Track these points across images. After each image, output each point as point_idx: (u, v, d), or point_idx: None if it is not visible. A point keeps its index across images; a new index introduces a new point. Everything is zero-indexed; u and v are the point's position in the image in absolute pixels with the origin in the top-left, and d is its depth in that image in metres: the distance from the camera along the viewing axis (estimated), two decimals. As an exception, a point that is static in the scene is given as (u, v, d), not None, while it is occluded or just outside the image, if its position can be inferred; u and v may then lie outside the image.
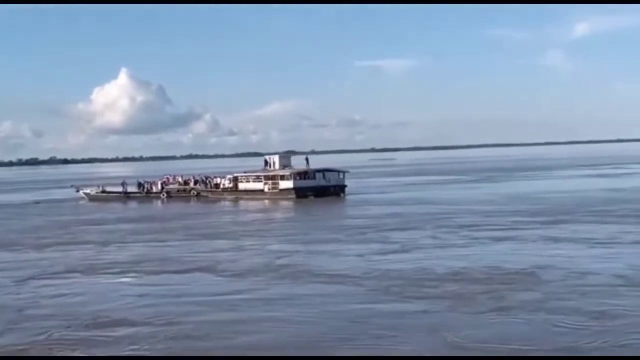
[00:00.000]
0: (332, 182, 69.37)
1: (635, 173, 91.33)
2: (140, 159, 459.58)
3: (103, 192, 78.51)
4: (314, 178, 68.95)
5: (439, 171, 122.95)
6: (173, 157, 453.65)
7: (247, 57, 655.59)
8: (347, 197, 66.73)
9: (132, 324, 19.26)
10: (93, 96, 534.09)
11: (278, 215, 55.07)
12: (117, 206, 68.05)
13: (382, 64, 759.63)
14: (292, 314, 19.75)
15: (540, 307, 19.33)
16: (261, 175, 70.82)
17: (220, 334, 17.96)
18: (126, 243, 37.66)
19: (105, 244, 37.22)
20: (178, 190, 75.91)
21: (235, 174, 73.86)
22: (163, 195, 74.81)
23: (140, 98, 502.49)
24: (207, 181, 75.89)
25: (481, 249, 30.31)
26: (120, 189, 78.00)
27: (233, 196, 70.12)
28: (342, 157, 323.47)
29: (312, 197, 65.39)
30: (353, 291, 22.56)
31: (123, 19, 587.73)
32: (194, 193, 74.52)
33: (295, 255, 30.68)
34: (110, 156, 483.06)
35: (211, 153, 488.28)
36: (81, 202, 74.54)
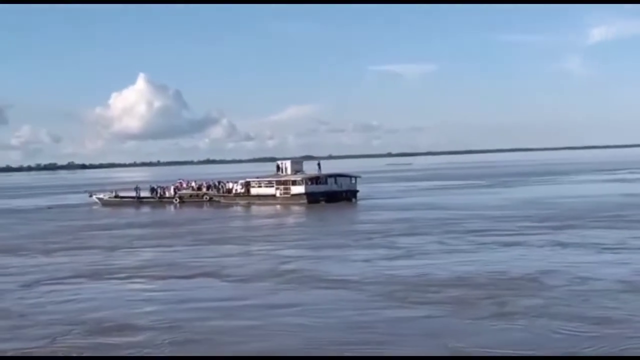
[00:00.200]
0: (344, 188, 69.46)
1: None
2: (158, 164, 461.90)
3: (116, 197, 78.88)
4: (326, 183, 69.00)
5: (455, 176, 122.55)
6: (190, 162, 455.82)
7: (263, 61, 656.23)
8: (358, 202, 66.74)
9: (136, 329, 19.35)
10: (111, 101, 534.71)
11: (288, 220, 55.10)
12: (129, 211, 68.41)
13: (399, 68, 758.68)
14: (294, 320, 19.74)
15: (543, 313, 19.23)
16: (273, 181, 70.91)
17: (222, 340, 17.94)
18: (134, 248, 37.88)
19: (114, 249, 37.45)
20: (191, 196, 76.09)
21: (248, 179, 74.01)
22: (176, 200, 75.09)
23: (157, 103, 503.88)
24: (220, 186, 76.08)
25: (487, 255, 30.22)
26: (133, 194, 78.43)
27: (245, 201, 70.24)
28: (358, 162, 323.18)
29: (323, 202, 65.39)
30: (357, 297, 22.56)
31: (141, 24, 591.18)
32: (206, 198, 74.67)
33: (302, 261, 30.72)
34: (128, 161, 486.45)
35: (228, 158, 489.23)
36: (94, 207, 74.95)
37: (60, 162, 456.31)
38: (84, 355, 17.14)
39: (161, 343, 17.82)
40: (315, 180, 69.06)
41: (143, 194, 78.07)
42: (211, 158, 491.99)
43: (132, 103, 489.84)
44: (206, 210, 66.52)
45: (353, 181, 71.26)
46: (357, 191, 70.03)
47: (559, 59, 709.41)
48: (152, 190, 78.67)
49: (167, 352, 17.15)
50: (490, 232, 37.81)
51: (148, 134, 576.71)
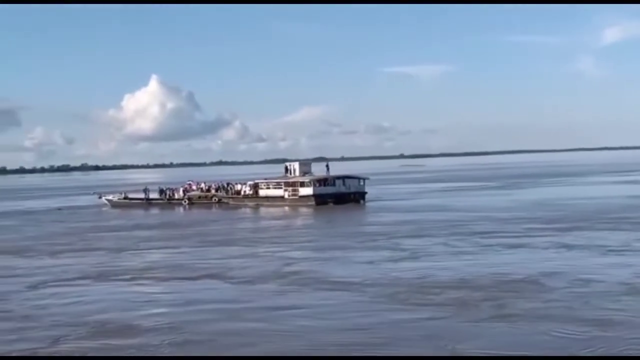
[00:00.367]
0: (352, 189, 69.45)
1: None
2: (170, 165, 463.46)
3: (125, 198, 79.27)
4: (334, 185, 69.05)
5: (466, 178, 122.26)
6: (203, 164, 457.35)
7: (276, 63, 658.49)
8: (367, 204, 66.67)
9: (140, 330, 19.44)
10: (124, 103, 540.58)
11: (295, 222, 55.17)
12: (138, 213, 68.71)
13: (411, 70, 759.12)
14: (298, 322, 19.77)
15: (543, 315, 19.20)
16: (281, 182, 71.03)
17: (226, 342, 17.98)
18: (141, 250, 38.05)
19: (120, 250, 37.64)
20: (199, 197, 76.36)
21: (256, 181, 74.17)
22: (185, 201, 75.36)
23: (170, 105, 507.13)
24: (229, 188, 76.29)
25: (491, 257, 30.16)
26: (142, 195, 78.72)
27: (254, 203, 70.40)
28: (370, 164, 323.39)
29: (331, 204, 65.45)
30: (359, 298, 22.58)
31: (154, 26, 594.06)
32: (215, 200, 74.92)
33: (306, 262, 30.84)
34: (140, 163, 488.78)
35: (240, 160, 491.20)
36: (104, 208, 75.37)
37: (73, 164, 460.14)
38: (88, 355, 17.25)
39: (165, 344, 17.89)
40: (323, 181, 69.11)
41: (152, 195, 78.42)
42: (224, 160, 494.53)
43: (144, 105, 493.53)
44: (214, 212, 66.71)
45: (361, 183, 71.24)
46: (366, 193, 69.96)
47: (572, 60, 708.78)
48: (161, 191, 79.06)
49: (170, 353, 17.21)
50: (496, 234, 37.75)
51: (161, 136, 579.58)
